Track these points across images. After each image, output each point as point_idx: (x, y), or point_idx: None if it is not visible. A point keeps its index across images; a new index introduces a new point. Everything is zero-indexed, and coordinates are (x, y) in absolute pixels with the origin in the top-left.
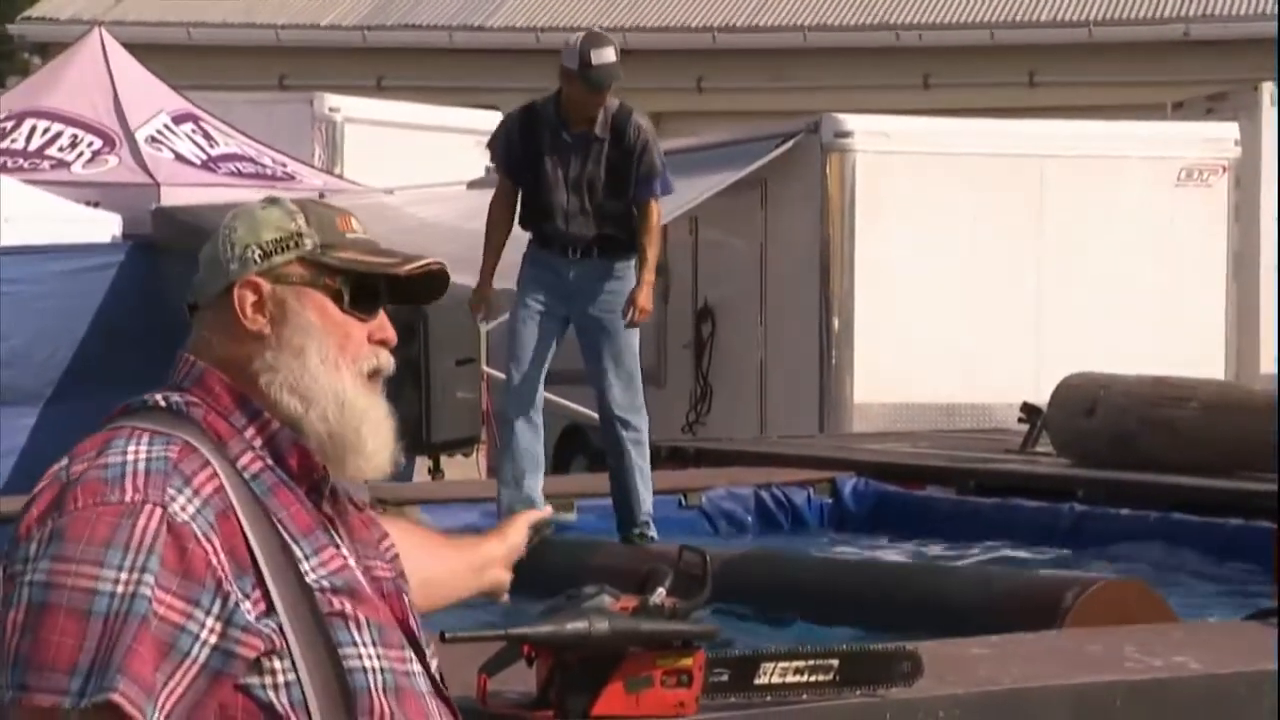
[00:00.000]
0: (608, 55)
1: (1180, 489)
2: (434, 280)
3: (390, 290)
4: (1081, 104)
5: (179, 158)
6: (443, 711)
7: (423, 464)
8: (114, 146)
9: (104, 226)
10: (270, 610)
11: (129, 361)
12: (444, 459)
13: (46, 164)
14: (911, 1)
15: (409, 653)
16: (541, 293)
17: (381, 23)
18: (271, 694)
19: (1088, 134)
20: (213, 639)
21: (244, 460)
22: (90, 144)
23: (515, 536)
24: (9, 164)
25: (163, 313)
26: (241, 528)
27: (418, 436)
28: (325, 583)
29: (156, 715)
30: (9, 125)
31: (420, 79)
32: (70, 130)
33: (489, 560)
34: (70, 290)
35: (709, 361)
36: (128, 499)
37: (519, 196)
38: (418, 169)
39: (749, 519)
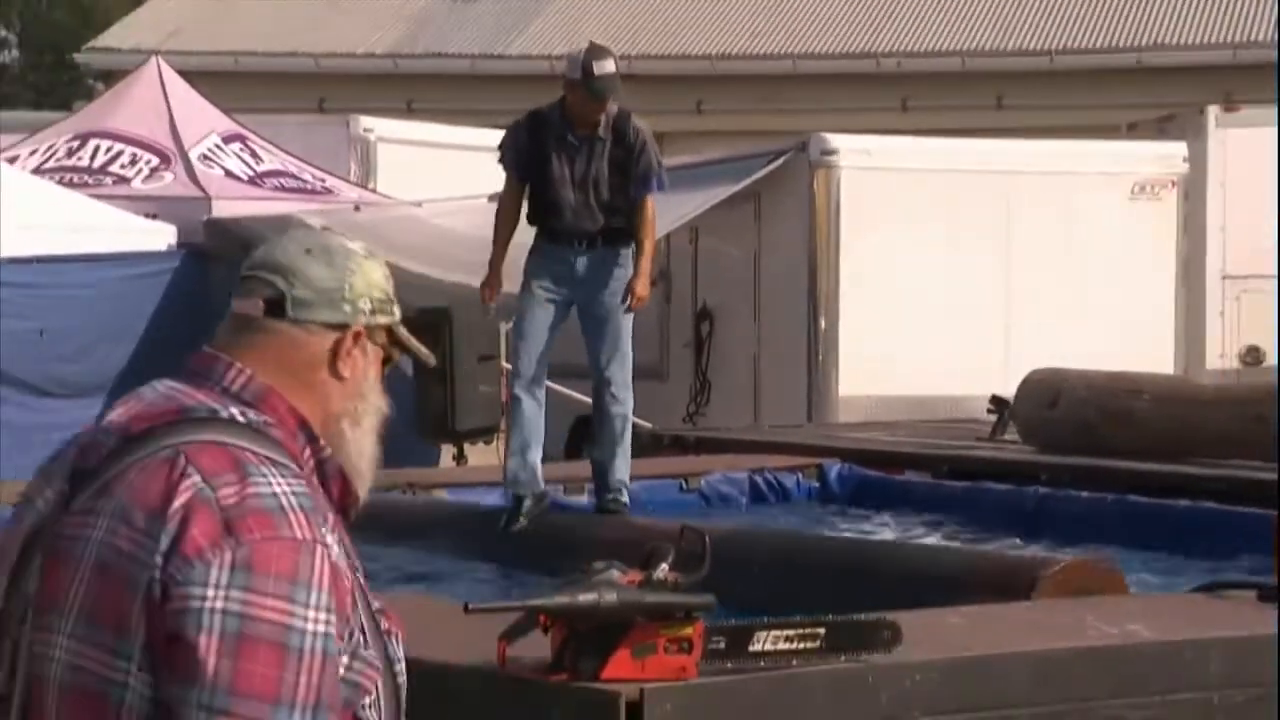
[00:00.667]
0: (608, 66)
1: (1135, 473)
2: None
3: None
4: (1044, 125)
5: (228, 174)
6: None
7: (448, 450)
8: (170, 164)
9: (161, 236)
10: (366, 640)
11: (181, 359)
12: (467, 446)
13: (109, 180)
14: (891, 32)
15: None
16: (549, 279)
17: (411, 51)
18: (370, 713)
19: (1050, 152)
20: (347, 674)
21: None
22: (149, 161)
23: None
24: (75, 180)
25: (212, 315)
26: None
27: (444, 425)
28: (376, 604)
29: None
30: (75, 145)
31: (446, 102)
32: (130, 149)
33: None
34: (130, 292)
35: (707, 358)
36: (299, 536)
37: (525, 194)
38: (444, 184)
39: (743, 501)
